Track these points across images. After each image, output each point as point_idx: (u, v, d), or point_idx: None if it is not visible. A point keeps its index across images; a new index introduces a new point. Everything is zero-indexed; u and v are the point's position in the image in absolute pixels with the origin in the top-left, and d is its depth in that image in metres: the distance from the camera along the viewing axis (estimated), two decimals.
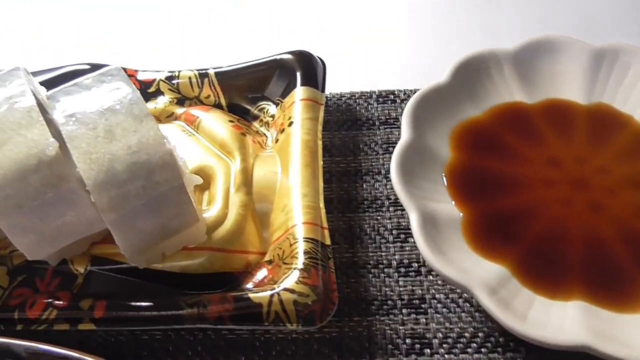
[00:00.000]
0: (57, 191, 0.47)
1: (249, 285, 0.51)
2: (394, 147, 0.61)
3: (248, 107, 0.65)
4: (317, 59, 0.64)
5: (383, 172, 0.61)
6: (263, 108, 0.64)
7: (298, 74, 0.62)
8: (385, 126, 0.65)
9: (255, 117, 0.65)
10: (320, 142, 0.58)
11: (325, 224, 0.52)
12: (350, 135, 0.64)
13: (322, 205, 0.54)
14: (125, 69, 0.62)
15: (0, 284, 0.51)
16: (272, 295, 0.47)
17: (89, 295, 0.50)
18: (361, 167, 0.62)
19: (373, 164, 0.62)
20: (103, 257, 0.53)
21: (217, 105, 0.65)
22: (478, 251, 0.50)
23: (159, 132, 0.48)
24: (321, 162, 0.57)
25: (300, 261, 0.49)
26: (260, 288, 0.48)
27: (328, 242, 0.51)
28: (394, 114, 0.66)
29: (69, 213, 0.48)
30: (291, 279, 0.48)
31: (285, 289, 0.47)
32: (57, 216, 0.48)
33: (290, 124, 0.59)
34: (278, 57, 0.64)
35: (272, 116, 0.63)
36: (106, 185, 0.46)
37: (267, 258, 0.53)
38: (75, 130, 0.48)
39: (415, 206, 0.50)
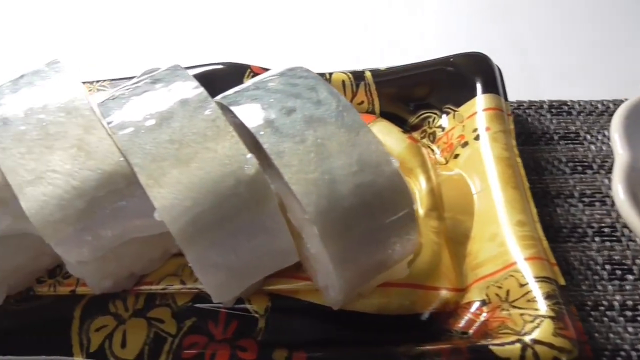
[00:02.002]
0: (255, 217, 0.38)
1: (457, 329, 0.43)
2: (581, 166, 0.53)
3: (406, 116, 0.57)
4: (493, 62, 0.56)
5: (576, 194, 0.53)
6: (428, 117, 0.56)
7: (476, 80, 0.54)
8: (566, 141, 0.56)
9: (415, 128, 0.56)
10: (519, 159, 0.50)
11: (552, 259, 0.44)
12: (528, 150, 0.56)
13: (542, 235, 0.45)
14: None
15: (167, 330, 0.42)
16: (523, 349, 0.38)
17: (278, 343, 0.41)
18: (549, 189, 0.53)
19: (562, 185, 0.54)
20: (282, 295, 0.44)
21: (370, 113, 0.56)
22: None
23: (381, 147, 0.39)
24: (527, 184, 0.48)
25: (542, 306, 0.40)
26: (502, 340, 0.40)
27: (562, 281, 0.43)
28: (573, 128, 0.57)
29: (264, 243, 0.39)
30: (545, 330, 0.39)
31: (539, 342, 0.38)
32: (252, 248, 0.39)
33: (477, 137, 0.51)
34: (446, 59, 0.56)
35: (440, 127, 0.55)
36: (329, 213, 0.37)
37: (475, 297, 0.44)
38: (280, 143, 0.38)
39: None
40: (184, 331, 0.42)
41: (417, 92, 0.56)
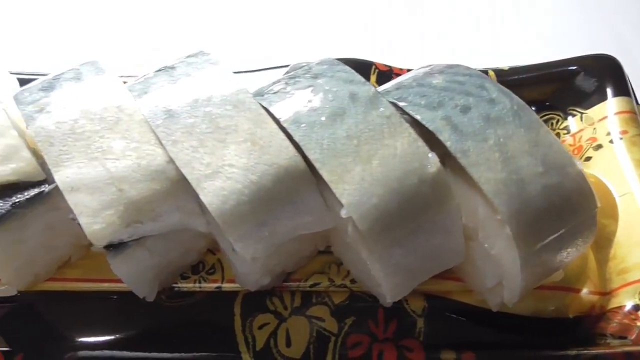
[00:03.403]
0: (436, 216, 0.38)
1: (613, 333, 0.42)
2: None
3: None
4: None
5: None
6: (551, 119, 0.55)
7: (606, 82, 0.53)
8: None
9: None
10: None
11: None
12: None
13: None
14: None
15: (329, 329, 0.41)
16: None
17: (442, 344, 0.41)
18: None
19: None
20: (436, 296, 0.43)
21: None
22: None
23: (562, 147, 0.38)
24: None
25: None
26: None
27: None
28: None
29: (441, 243, 0.39)
30: None
31: None
32: (430, 247, 0.38)
33: (611, 140, 0.50)
34: (572, 60, 0.56)
35: (566, 129, 0.54)
36: (521, 214, 0.36)
37: (626, 302, 0.44)
38: (462, 142, 0.38)
39: None
40: (346, 330, 0.41)
41: (540, 93, 0.56)
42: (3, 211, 0.38)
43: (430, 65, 0.44)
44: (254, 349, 0.40)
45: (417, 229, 0.37)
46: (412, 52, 0.62)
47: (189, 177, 0.38)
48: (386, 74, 0.54)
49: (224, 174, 0.37)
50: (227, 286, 0.44)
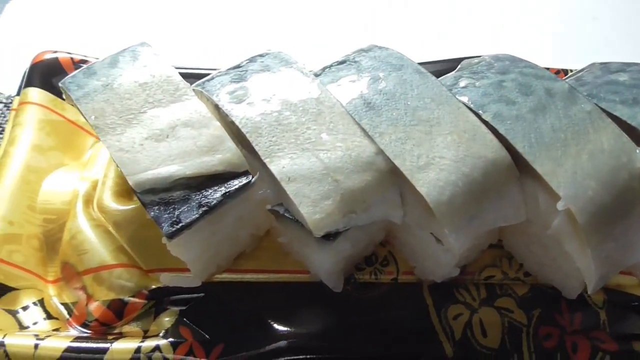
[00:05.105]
0: None
1: None
2: None
3: None
4: None
5: None
6: None
7: None
8: None
9: None
10: None
11: None
12: None
13: None
14: None
15: (518, 319, 0.42)
16: None
17: (629, 335, 0.42)
18: None
19: None
20: (613, 289, 0.44)
21: None
22: None
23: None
24: None
25: None
26: None
27: None
28: None
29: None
30: None
31: None
32: (631, 242, 0.39)
33: None
34: None
35: None
36: None
37: None
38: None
39: None
40: (534, 322, 0.42)
41: None
42: (215, 201, 0.38)
43: (605, 64, 0.45)
44: (453, 339, 0.41)
45: (629, 224, 0.38)
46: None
47: (402, 168, 0.38)
48: None
49: (436, 166, 0.38)
50: (403, 278, 0.44)
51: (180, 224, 0.37)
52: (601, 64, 0.46)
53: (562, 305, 0.43)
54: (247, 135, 0.39)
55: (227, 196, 0.38)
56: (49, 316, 0.44)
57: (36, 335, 0.41)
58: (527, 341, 0.41)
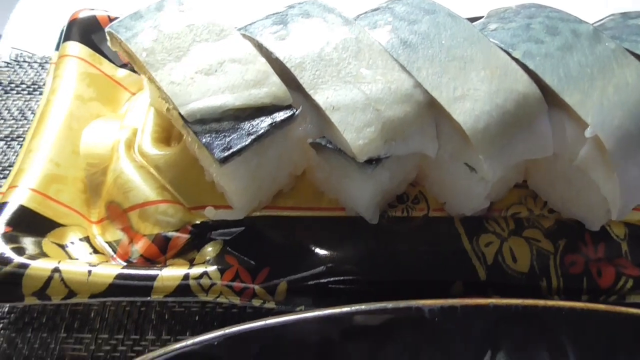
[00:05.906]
0: None
1: None
2: None
3: None
4: None
5: None
6: None
7: None
8: None
9: None
10: None
11: None
12: None
13: None
14: None
15: (546, 248, 0.44)
16: None
17: None
18: None
19: None
20: (634, 224, 0.46)
21: None
22: None
23: None
24: None
25: None
26: None
27: None
28: None
29: None
30: None
31: None
32: None
33: None
34: None
35: None
36: None
37: None
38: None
39: None
40: (561, 250, 0.44)
41: None
42: (262, 130, 0.40)
43: (625, 13, 0.48)
44: (485, 264, 0.43)
45: None
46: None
47: (439, 99, 0.40)
48: None
49: (471, 97, 0.40)
50: (434, 214, 0.47)
51: (232, 150, 0.39)
52: (621, 13, 0.49)
53: (586, 237, 0.45)
54: (292, 70, 0.42)
55: (273, 126, 0.41)
56: (95, 251, 0.46)
57: (89, 262, 0.43)
58: (555, 267, 0.43)
